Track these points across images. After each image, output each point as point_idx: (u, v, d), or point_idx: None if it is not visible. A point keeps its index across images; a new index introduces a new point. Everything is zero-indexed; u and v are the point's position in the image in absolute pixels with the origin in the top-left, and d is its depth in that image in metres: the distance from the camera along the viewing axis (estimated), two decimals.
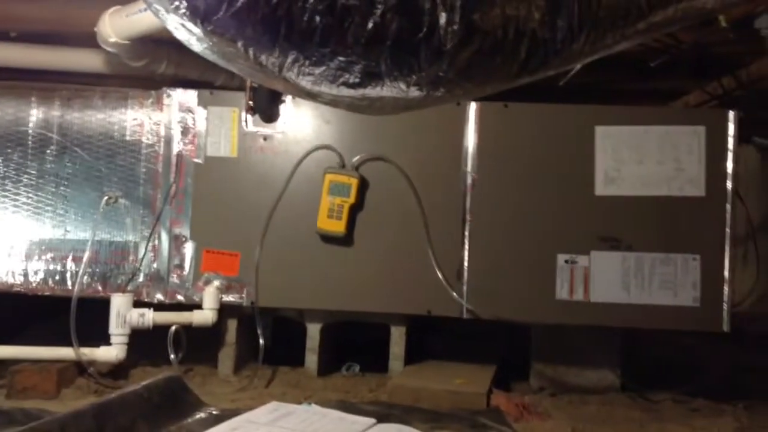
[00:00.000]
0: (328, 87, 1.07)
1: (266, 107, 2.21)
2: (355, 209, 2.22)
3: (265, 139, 2.27)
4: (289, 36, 1.00)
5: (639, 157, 2.20)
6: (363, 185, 2.22)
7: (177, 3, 1.02)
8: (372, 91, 1.09)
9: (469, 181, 2.25)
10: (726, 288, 2.15)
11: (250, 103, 2.21)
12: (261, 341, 2.20)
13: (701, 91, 3.20)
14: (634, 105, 3.27)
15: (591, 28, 1.11)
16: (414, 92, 1.10)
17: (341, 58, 1.03)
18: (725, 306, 2.15)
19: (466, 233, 2.25)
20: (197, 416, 1.80)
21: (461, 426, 1.82)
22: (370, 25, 1.00)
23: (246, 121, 2.27)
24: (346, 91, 1.09)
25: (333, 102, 1.15)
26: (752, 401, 2.27)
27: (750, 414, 2.12)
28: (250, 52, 1.03)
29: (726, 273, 2.15)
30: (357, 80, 1.06)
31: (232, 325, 2.32)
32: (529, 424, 1.92)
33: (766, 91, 2.73)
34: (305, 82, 1.07)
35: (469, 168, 2.26)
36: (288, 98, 2.25)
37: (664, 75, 2.90)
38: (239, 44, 1.02)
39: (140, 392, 1.76)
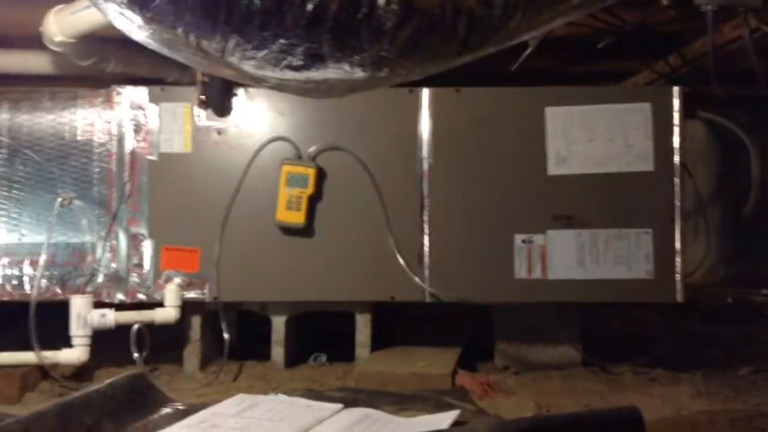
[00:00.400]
0: (271, 70, 1.08)
1: (218, 101, 2.20)
2: (314, 199, 2.23)
3: (219, 133, 2.27)
4: (228, 20, 1.01)
5: (588, 136, 2.25)
6: (321, 175, 2.23)
7: None
8: (316, 74, 1.10)
9: (425, 166, 2.28)
10: (678, 260, 2.21)
11: (202, 97, 2.20)
12: (226, 336, 2.20)
13: (650, 71, 3.28)
14: (592, 85, 3.33)
15: (527, 5, 1.14)
16: (358, 73, 1.11)
17: (283, 41, 1.04)
18: (678, 277, 2.21)
19: (425, 218, 2.27)
20: (163, 412, 1.79)
21: (427, 406, 1.85)
22: (310, 6, 1.01)
23: (199, 116, 2.26)
24: (290, 74, 1.10)
25: (279, 86, 1.16)
26: (709, 370, 2.35)
27: (707, 381, 2.19)
28: (191, 37, 1.04)
29: (677, 245, 2.21)
30: (300, 63, 1.07)
31: (195, 321, 2.32)
32: (494, 401, 1.95)
33: (709, 66, 2.79)
34: (248, 66, 1.08)
35: (425, 154, 2.28)
36: (241, 91, 2.25)
37: (612, 56, 2.96)
38: (179, 30, 1.03)
39: (104, 390, 1.74)
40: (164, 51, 1.13)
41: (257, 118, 2.28)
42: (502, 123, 2.30)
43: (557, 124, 2.27)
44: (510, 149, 2.28)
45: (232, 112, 2.27)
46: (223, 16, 1.01)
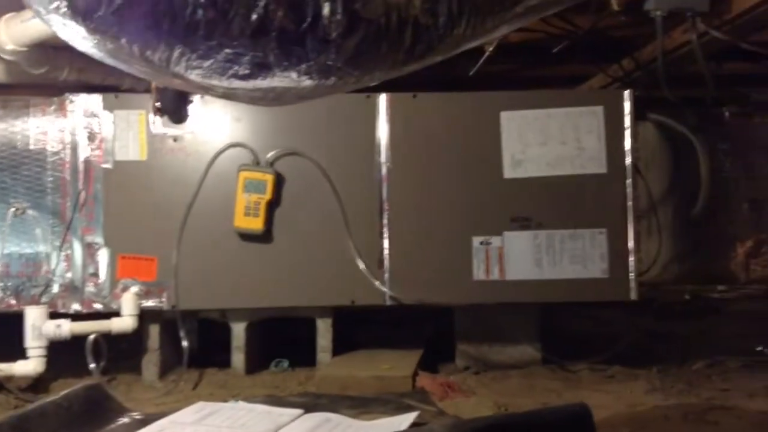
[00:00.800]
0: (218, 80, 1.09)
1: (174, 108, 2.19)
2: (273, 205, 2.23)
3: (175, 140, 2.26)
4: (172, 30, 1.01)
5: (543, 139, 2.29)
6: (279, 181, 2.24)
7: (57, 3, 1.01)
8: (263, 82, 1.11)
9: (384, 171, 2.30)
10: (631, 258, 2.26)
11: (157, 104, 2.19)
12: (184, 344, 2.18)
13: (604, 75, 3.34)
14: (546, 90, 3.39)
15: (471, 14, 1.16)
16: (305, 81, 1.12)
17: (228, 51, 1.04)
18: (632, 276, 2.26)
19: (385, 222, 2.29)
20: (120, 422, 1.78)
21: (387, 409, 1.86)
22: (254, 16, 1.02)
23: (154, 123, 2.25)
24: (237, 83, 1.10)
25: (227, 95, 1.16)
26: (665, 366, 2.40)
27: (662, 377, 2.24)
28: (135, 48, 1.04)
29: (630, 244, 2.26)
30: (247, 72, 1.08)
31: (154, 330, 2.30)
32: (454, 402, 1.97)
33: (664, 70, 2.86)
34: (195, 76, 1.08)
35: (383, 158, 2.30)
36: (196, 98, 2.24)
37: (567, 60, 3.02)
38: (123, 41, 1.03)
39: (60, 402, 1.72)
40: (109, 61, 1.13)
41: (214, 124, 2.27)
42: (458, 127, 2.33)
43: (512, 128, 2.30)
44: (467, 153, 2.31)
45: (188, 119, 2.26)
46: (167, 26, 1.01)
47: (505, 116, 2.31)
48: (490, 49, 2.96)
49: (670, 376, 2.25)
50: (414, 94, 2.33)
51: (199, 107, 2.26)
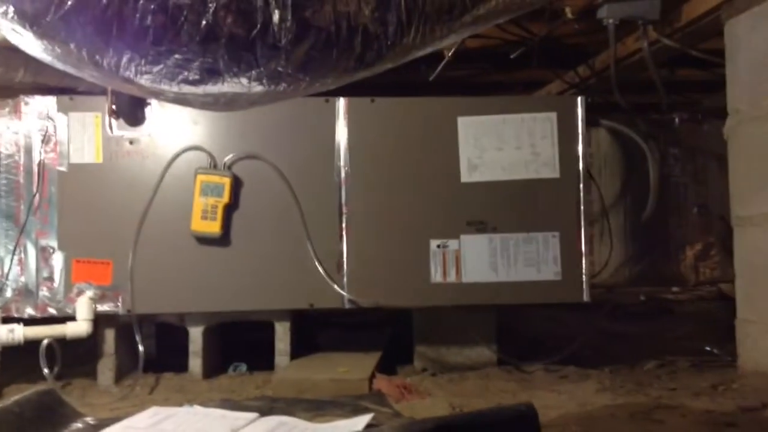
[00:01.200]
0: (168, 85, 1.10)
1: (130, 110, 2.18)
2: (230, 209, 2.23)
3: (131, 142, 2.24)
4: (121, 36, 1.02)
5: (498, 144, 2.33)
6: (237, 184, 2.24)
7: (5, 7, 1.01)
8: (213, 88, 1.12)
9: (342, 174, 2.31)
10: (583, 261, 2.31)
11: (113, 107, 2.17)
12: (140, 348, 2.17)
13: (561, 81, 3.42)
14: (503, 96, 3.45)
15: (420, 23, 1.19)
16: (256, 87, 1.14)
17: (178, 56, 1.05)
18: (584, 278, 2.31)
19: (344, 225, 2.31)
20: (73, 427, 1.76)
21: (343, 411, 1.87)
22: (204, 23, 1.03)
23: (110, 126, 2.23)
24: (187, 89, 1.11)
25: (178, 100, 1.17)
26: (618, 366, 2.46)
27: (613, 377, 2.30)
28: (84, 53, 1.04)
29: (582, 247, 2.31)
30: (197, 77, 1.09)
31: (109, 334, 2.28)
32: (410, 403, 1.99)
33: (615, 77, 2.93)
34: (144, 81, 1.09)
35: (342, 162, 2.31)
36: (153, 101, 2.23)
37: (525, 66, 3.09)
38: (72, 46, 1.03)
39: (11, 408, 1.69)
40: (59, 65, 1.13)
41: (171, 127, 2.26)
42: (416, 132, 2.35)
43: (469, 133, 2.34)
44: (425, 157, 2.34)
45: (145, 122, 2.25)
46: (116, 31, 1.01)
47: (462, 121, 2.35)
48: (449, 54, 3.02)
49: (621, 376, 2.30)
50: (372, 99, 2.35)
51: (156, 110, 2.25)
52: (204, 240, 2.22)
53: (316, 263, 2.25)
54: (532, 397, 2.04)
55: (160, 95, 1.16)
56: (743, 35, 2.25)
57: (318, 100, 2.29)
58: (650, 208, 2.40)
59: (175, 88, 1.11)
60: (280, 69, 1.11)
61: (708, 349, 2.67)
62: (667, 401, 1.95)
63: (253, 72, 1.10)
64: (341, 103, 2.32)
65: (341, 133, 2.32)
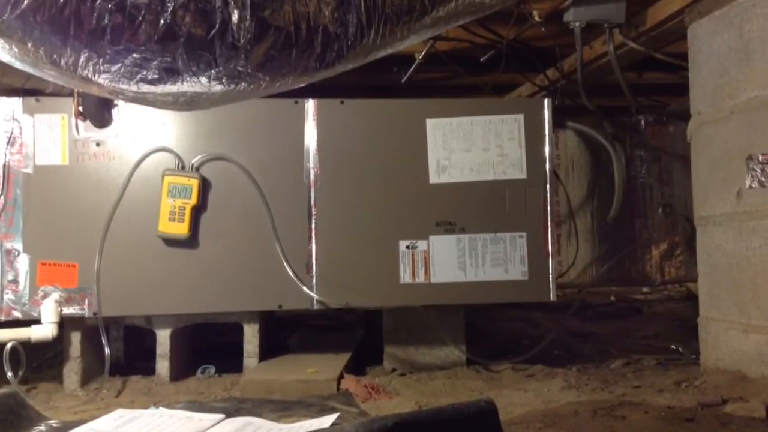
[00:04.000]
0: (127, 84, 1.10)
1: (96, 112, 2.16)
2: (198, 210, 2.23)
3: (98, 144, 2.23)
4: (78, 35, 1.02)
5: (467, 146, 2.35)
6: (205, 186, 2.23)
7: None
8: (173, 87, 1.12)
9: (312, 176, 2.32)
10: (550, 261, 2.34)
11: (80, 108, 2.15)
12: (107, 351, 2.15)
13: (531, 84, 3.46)
14: (475, 98, 3.49)
15: (380, 24, 1.20)
16: (216, 87, 1.14)
17: (136, 55, 1.06)
18: (551, 278, 2.34)
19: (313, 226, 2.31)
20: (36, 430, 1.74)
21: (310, 412, 1.88)
22: (162, 22, 1.04)
23: (77, 127, 2.22)
24: (146, 88, 1.11)
25: (137, 99, 1.17)
26: (585, 364, 2.50)
27: (579, 375, 2.33)
28: (42, 52, 1.04)
29: (549, 248, 2.34)
30: (155, 76, 1.09)
31: (75, 338, 2.26)
32: (377, 403, 2.01)
33: (583, 79, 2.97)
34: (103, 80, 1.09)
35: (311, 163, 2.32)
36: (121, 102, 2.22)
37: (496, 69, 3.12)
38: (29, 45, 1.03)
39: None
40: (18, 65, 1.12)
41: (138, 128, 2.25)
42: (386, 133, 2.37)
43: (437, 135, 2.36)
44: (394, 159, 2.36)
45: (112, 123, 2.24)
46: (73, 31, 1.01)
47: (431, 123, 2.37)
48: (420, 57, 3.05)
49: (587, 375, 2.33)
50: (341, 101, 2.36)
51: (123, 111, 2.23)
52: (172, 242, 2.21)
53: (285, 264, 2.26)
54: (498, 396, 2.07)
55: (119, 94, 1.16)
56: (705, 38, 2.30)
57: (287, 101, 2.30)
58: (615, 208, 2.43)
59: (134, 88, 1.11)
60: (239, 68, 1.12)
61: (674, 347, 2.72)
62: (631, 398, 1.98)
63: (213, 71, 1.11)
64: (310, 104, 2.33)
65: (310, 135, 2.32)
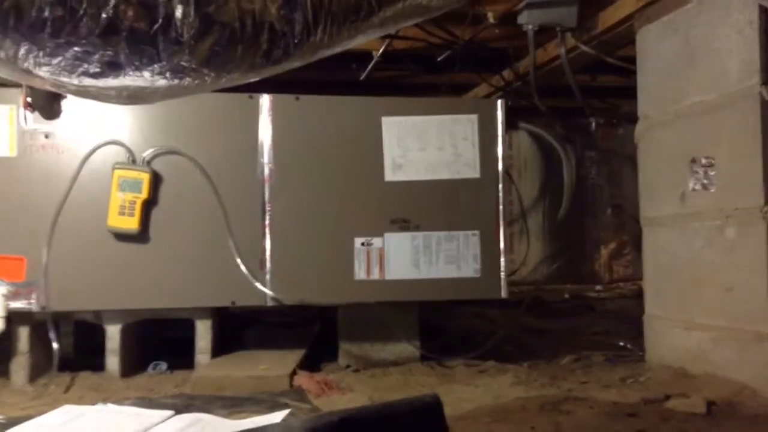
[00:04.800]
0: (68, 77, 1.09)
1: (46, 103, 2.13)
2: (149, 205, 2.20)
3: (47, 136, 2.19)
4: (18, 27, 1.01)
5: (422, 145, 2.37)
6: (156, 180, 2.21)
7: None
8: (115, 81, 1.11)
9: (266, 171, 2.32)
10: (502, 259, 2.38)
11: (28, 99, 2.12)
12: (55, 346, 2.12)
13: (487, 84, 3.51)
14: (433, 97, 3.51)
15: (326, 23, 1.21)
16: (159, 81, 1.14)
17: (77, 49, 1.05)
18: (502, 275, 2.38)
19: (267, 222, 2.31)
20: None
21: (261, 408, 1.88)
22: (104, 16, 1.03)
23: (25, 119, 2.17)
24: (88, 81, 1.10)
25: (80, 92, 1.16)
26: (536, 360, 2.55)
27: (530, 370, 2.37)
28: None
29: (501, 246, 2.38)
30: (97, 70, 1.08)
31: (23, 332, 2.22)
32: (330, 399, 2.01)
33: (537, 80, 3.02)
34: (44, 73, 1.08)
35: (265, 159, 2.32)
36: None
37: (453, 69, 3.15)
38: None
39: None
40: None
41: (89, 121, 2.22)
42: (342, 130, 2.37)
43: (393, 133, 2.38)
44: (349, 156, 2.36)
45: (62, 115, 2.20)
46: (12, 23, 1.00)
47: (387, 121, 2.38)
48: (378, 55, 3.07)
49: (537, 370, 2.38)
50: (297, 97, 2.36)
51: (73, 103, 2.20)
52: (122, 236, 2.18)
53: (238, 260, 2.25)
54: (449, 391, 2.10)
55: (61, 87, 1.14)
56: (653, 44, 2.36)
57: (242, 96, 2.29)
58: (564, 208, 2.48)
59: (75, 81, 1.10)
60: (183, 63, 1.12)
61: (622, 344, 2.78)
62: (577, 394, 2.03)
63: (156, 66, 1.10)
64: (265, 99, 2.33)
65: (265, 130, 2.32)
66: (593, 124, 2.87)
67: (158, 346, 2.66)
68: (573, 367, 2.47)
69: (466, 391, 2.10)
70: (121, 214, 2.15)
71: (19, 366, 2.21)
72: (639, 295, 4.21)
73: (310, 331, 2.97)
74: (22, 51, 1.04)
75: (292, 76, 2.08)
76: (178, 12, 1.06)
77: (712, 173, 2.06)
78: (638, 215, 2.45)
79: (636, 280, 3.25)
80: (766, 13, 1.89)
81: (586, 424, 1.72)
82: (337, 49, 1.30)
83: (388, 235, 2.36)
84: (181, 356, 2.42)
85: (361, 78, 3.37)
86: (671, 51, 2.25)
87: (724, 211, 2.00)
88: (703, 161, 2.09)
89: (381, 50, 2.92)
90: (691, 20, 2.15)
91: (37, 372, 2.25)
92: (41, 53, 1.04)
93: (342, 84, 3.76)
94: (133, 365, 2.34)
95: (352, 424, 1.20)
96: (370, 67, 3.09)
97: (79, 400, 2.01)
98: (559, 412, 1.84)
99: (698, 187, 2.11)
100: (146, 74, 1.11)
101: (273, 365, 2.23)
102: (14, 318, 2.18)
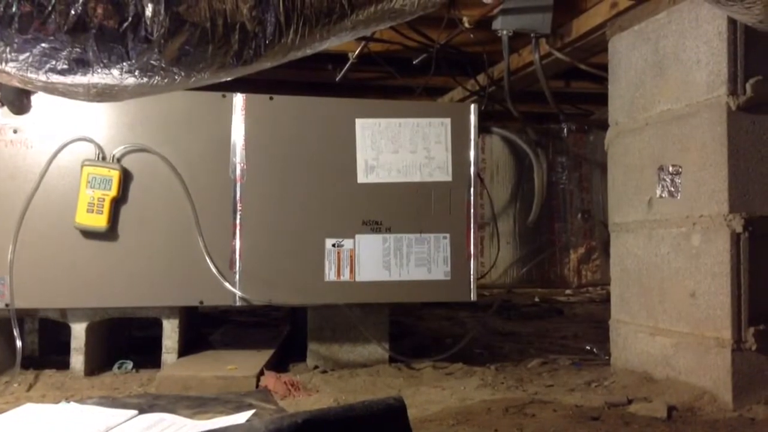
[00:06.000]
0: (35, 73, 1.07)
1: (15, 98, 2.08)
2: (119, 202, 2.18)
3: (15, 131, 2.16)
4: None
5: (395, 147, 2.38)
6: (126, 177, 2.19)
7: None
8: (83, 78, 1.10)
9: (238, 171, 2.31)
10: (472, 263, 2.40)
11: None
12: (18, 344, 2.09)
13: (463, 88, 3.53)
14: (406, 100, 3.53)
15: (298, 24, 1.21)
16: (128, 79, 1.13)
17: (44, 45, 1.04)
18: (472, 278, 2.40)
19: (237, 222, 2.30)
20: None
21: (227, 408, 1.87)
22: (72, 12, 1.02)
23: None
24: (56, 78, 1.09)
25: (47, 89, 1.15)
26: (504, 363, 2.57)
27: (497, 373, 2.39)
28: None
29: (471, 249, 2.40)
30: (65, 67, 1.07)
31: None
32: (296, 400, 2.01)
33: (512, 85, 3.06)
34: (11, 69, 1.06)
35: (237, 158, 2.31)
36: None
37: (429, 72, 3.17)
38: None
39: None
40: None
41: (59, 116, 2.19)
42: (315, 131, 2.37)
43: (366, 135, 2.38)
44: (322, 157, 2.36)
45: (31, 110, 2.16)
46: None
47: (360, 123, 2.39)
48: (354, 57, 3.07)
49: (504, 373, 2.40)
50: (270, 96, 2.35)
51: (43, 98, 2.15)
52: (90, 234, 2.16)
53: (207, 260, 2.24)
54: (416, 393, 2.11)
55: (28, 84, 1.13)
56: (624, 52, 2.40)
57: (215, 95, 2.28)
58: (535, 212, 2.51)
59: (42, 77, 1.09)
60: (153, 62, 1.11)
61: (588, 348, 2.82)
62: (542, 397, 2.05)
63: (125, 64, 1.09)
64: (239, 99, 2.32)
65: (238, 130, 2.31)
66: (565, 130, 2.91)
67: (126, 344, 2.64)
68: (540, 370, 2.49)
69: (433, 393, 2.11)
70: (90, 211, 2.12)
71: None
72: (607, 300, 4.27)
73: (280, 331, 2.96)
74: None
75: (265, 75, 2.07)
76: (148, 10, 1.06)
77: (678, 181, 2.09)
78: (607, 221, 2.48)
79: (604, 285, 3.29)
80: (734, 24, 1.93)
81: (550, 427, 1.74)
82: (309, 51, 1.30)
83: (359, 237, 2.36)
84: (149, 355, 2.40)
85: (337, 79, 3.37)
86: (642, 59, 2.29)
87: (690, 218, 2.04)
88: (671, 168, 2.13)
89: (357, 52, 2.93)
90: (662, 30, 2.19)
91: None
92: (8, 49, 1.03)
93: (318, 85, 3.76)
94: (98, 364, 2.32)
95: (316, 426, 1.20)
96: (345, 68, 3.10)
97: (42, 399, 1.98)
98: (523, 415, 1.86)
99: (665, 194, 2.15)
100: (115, 72, 1.10)
101: (241, 365, 2.22)
102: None
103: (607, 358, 2.54)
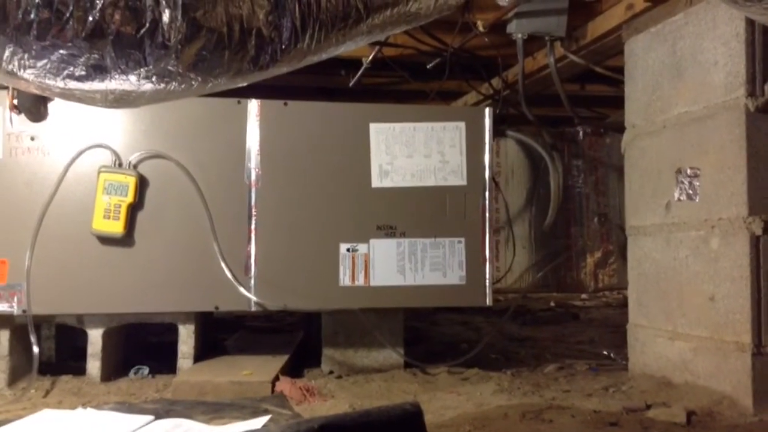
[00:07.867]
0: (53, 80, 1.08)
1: (32, 105, 2.11)
2: (135, 208, 2.19)
3: (32, 139, 2.17)
4: (4, 30, 1.00)
5: (409, 152, 2.38)
6: (142, 184, 2.20)
7: None
8: (101, 85, 1.11)
9: (253, 176, 2.31)
10: (487, 267, 2.38)
11: (15, 101, 2.10)
12: (35, 350, 2.10)
13: (477, 92, 3.52)
14: (420, 104, 3.52)
15: (314, 29, 1.21)
16: (146, 85, 1.13)
17: (63, 51, 1.04)
18: (487, 283, 2.38)
19: (253, 227, 2.30)
20: None
21: (243, 414, 1.87)
22: (90, 19, 1.02)
23: (11, 121, 2.16)
24: (73, 84, 1.10)
25: (65, 95, 1.15)
26: (520, 368, 2.55)
27: (513, 379, 2.38)
28: None
29: (487, 253, 2.38)
30: (83, 73, 1.08)
31: (4, 336, 2.20)
32: (311, 405, 2.01)
33: (527, 89, 3.03)
34: (29, 75, 1.07)
35: (252, 164, 2.31)
36: None
37: (443, 77, 3.16)
38: None
39: None
40: None
41: (75, 123, 2.20)
42: (329, 136, 2.37)
43: (380, 140, 2.38)
44: (337, 162, 2.36)
45: (48, 117, 2.18)
46: None
47: (374, 128, 2.38)
48: (368, 62, 3.07)
49: (520, 379, 2.38)
50: (285, 102, 2.35)
51: (60, 106, 2.18)
52: (106, 240, 2.17)
53: (223, 265, 2.24)
54: (432, 398, 2.10)
55: (46, 90, 1.14)
56: (641, 54, 2.38)
57: (230, 101, 2.29)
58: (551, 216, 2.49)
59: (60, 84, 1.09)
60: (170, 68, 1.11)
61: (606, 353, 2.79)
62: (560, 402, 2.03)
63: (142, 70, 1.10)
64: (253, 105, 2.32)
65: (253, 136, 2.31)
66: (581, 133, 2.89)
67: (142, 350, 2.65)
68: (556, 375, 2.47)
69: (449, 398, 2.10)
70: (106, 217, 2.13)
71: None
72: (624, 304, 4.25)
73: (294, 336, 2.96)
74: (6, 53, 1.03)
75: (279, 81, 2.07)
76: (166, 16, 1.06)
77: (697, 183, 2.07)
78: (624, 224, 2.46)
79: (621, 289, 3.27)
80: (752, 25, 1.91)
81: None
82: (325, 56, 1.30)
83: (373, 242, 2.36)
84: (165, 361, 2.41)
85: (351, 84, 3.37)
86: (658, 61, 2.27)
87: (708, 221, 2.02)
88: (689, 171, 2.11)
89: (370, 57, 2.93)
90: (679, 31, 2.17)
91: (16, 375, 2.23)
92: (26, 56, 1.03)
93: (331, 90, 3.76)
94: (114, 369, 2.33)
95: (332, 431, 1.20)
96: (359, 73, 3.10)
97: (59, 405, 1.99)
98: (540, 421, 1.85)
99: (683, 197, 2.13)
100: (132, 78, 1.10)
101: (256, 371, 2.22)
102: None
103: (624, 362, 2.51)
